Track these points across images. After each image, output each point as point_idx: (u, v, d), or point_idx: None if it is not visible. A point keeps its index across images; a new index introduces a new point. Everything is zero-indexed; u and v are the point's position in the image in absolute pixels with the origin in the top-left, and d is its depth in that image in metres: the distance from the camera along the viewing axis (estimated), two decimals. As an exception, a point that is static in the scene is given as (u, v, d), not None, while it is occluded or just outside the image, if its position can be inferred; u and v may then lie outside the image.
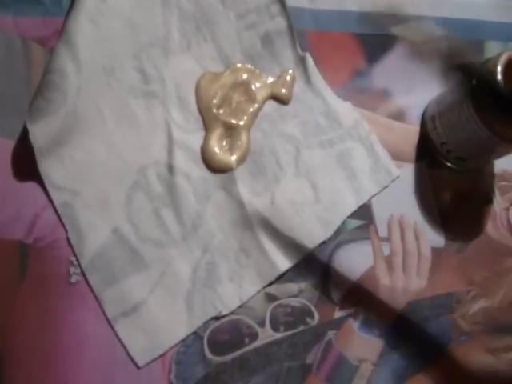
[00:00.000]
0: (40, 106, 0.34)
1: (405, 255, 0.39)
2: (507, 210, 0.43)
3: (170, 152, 0.37)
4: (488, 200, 0.43)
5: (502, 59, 0.36)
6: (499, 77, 0.35)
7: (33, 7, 0.37)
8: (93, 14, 0.35)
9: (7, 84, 0.36)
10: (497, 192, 0.43)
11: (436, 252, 0.40)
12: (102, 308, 0.34)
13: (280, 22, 0.40)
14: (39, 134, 0.34)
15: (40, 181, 0.35)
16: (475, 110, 0.37)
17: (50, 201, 0.35)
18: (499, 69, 0.35)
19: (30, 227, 0.34)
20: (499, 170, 0.43)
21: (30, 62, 0.36)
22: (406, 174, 0.41)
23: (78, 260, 0.34)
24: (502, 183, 0.43)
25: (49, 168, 0.35)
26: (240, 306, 0.36)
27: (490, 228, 0.42)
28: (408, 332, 0.38)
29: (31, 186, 0.35)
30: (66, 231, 0.35)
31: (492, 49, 0.45)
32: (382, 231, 0.40)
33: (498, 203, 0.43)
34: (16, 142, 0.35)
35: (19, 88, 0.36)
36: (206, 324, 0.35)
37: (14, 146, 0.35)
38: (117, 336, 0.34)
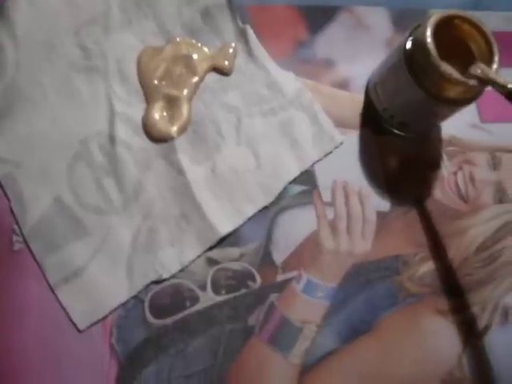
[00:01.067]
0: (-22, 81, 0.35)
1: (349, 219, 0.40)
2: (455, 174, 0.43)
3: (112, 124, 0.38)
4: (435, 165, 0.43)
5: (432, 21, 0.36)
6: (429, 39, 0.36)
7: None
8: (28, -10, 0.36)
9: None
10: (444, 157, 0.43)
11: (382, 216, 0.40)
12: (44, 274, 0.35)
13: (219, -4, 0.41)
14: (-22, 106, 0.35)
15: (-18, 154, 0.36)
16: (410, 73, 0.37)
17: (-7, 172, 0.36)
18: (429, 31, 0.36)
19: (-28, 198, 0.36)
20: (446, 136, 0.44)
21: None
22: (351, 140, 0.42)
23: (20, 228, 0.35)
24: (450, 148, 0.44)
25: (-10, 140, 0.36)
26: (181, 271, 0.36)
27: (437, 192, 0.42)
28: (353, 294, 0.38)
29: (-26, 159, 0.36)
30: (9, 200, 0.36)
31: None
32: (326, 196, 0.40)
33: (446, 168, 0.43)
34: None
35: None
36: (147, 288, 0.36)
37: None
38: (58, 301, 0.35)
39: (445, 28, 0.37)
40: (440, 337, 0.39)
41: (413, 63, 0.37)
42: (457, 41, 0.38)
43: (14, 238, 0.35)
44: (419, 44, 0.36)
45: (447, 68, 0.35)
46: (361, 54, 0.44)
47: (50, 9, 0.37)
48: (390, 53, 0.42)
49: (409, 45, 0.38)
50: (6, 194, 0.36)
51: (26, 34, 0.36)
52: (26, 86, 0.36)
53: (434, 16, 0.36)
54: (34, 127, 0.37)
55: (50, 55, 0.37)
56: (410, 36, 0.38)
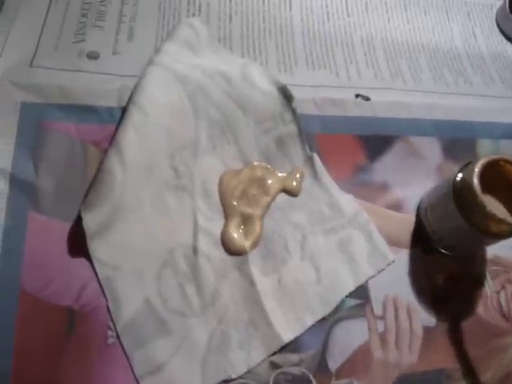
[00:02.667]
0: (92, 199, 0.42)
1: (398, 332, 0.44)
2: (498, 293, 0.47)
3: (195, 236, 0.44)
4: (479, 283, 0.47)
5: (479, 164, 0.42)
6: (475, 181, 0.41)
7: (91, 116, 0.46)
8: (138, 126, 0.43)
9: (68, 178, 0.44)
10: (488, 276, 0.48)
11: (428, 330, 0.45)
12: (131, 367, 0.41)
13: (291, 127, 0.48)
14: (90, 221, 0.42)
15: (87, 257, 0.42)
16: (457, 207, 0.42)
17: (95, 274, 0.42)
18: (476, 173, 0.41)
19: (77, 295, 0.42)
20: (491, 255, 0.48)
21: (86, 161, 0.45)
22: (402, 258, 0.47)
23: (114, 325, 0.41)
24: (493, 267, 0.48)
25: (96, 247, 0.42)
26: (247, 372, 0.42)
27: (480, 309, 0.46)
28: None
29: (80, 262, 0.43)
30: (107, 300, 0.42)
31: (484, 146, 0.51)
32: (378, 310, 0.45)
33: (490, 286, 0.47)
34: (71, 226, 0.43)
35: (77, 181, 0.44)
36: (217, 386, 0.41)
37: (70, 229, 0.43)
38: (142, 392, 0.40)
39: (492, 167, 0.42)
40: None
41: (460, 198, 0.42)
42: (503, 179, 0.43)
43: (109, 333, 0.42)
44: (467, 183, 0.41)
45: (491, 208, 0.40)
46: (413, 179, 0.49)
47: (151, 139, 0.44)
48: (441, 182, 0.47)
49: (458, 181, 0.43)
50: (104, 294, 0.42)
51: (132, 160, 0.43)
52: (128, 203, 0.43)
53: (482, 159, 0.42)
54: (131, 237, 0.43)
55: (149, 176, 0.44)
56: (459, 172, 0.43)
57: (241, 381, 0.42)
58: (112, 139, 0.44)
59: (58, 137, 0.45)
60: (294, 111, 0.48)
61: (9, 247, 0.42)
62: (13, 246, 0.42)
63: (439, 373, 0.44)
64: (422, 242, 0.47)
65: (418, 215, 0.48)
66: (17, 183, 0.44)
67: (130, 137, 0.43)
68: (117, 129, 0.44)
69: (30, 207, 0.43)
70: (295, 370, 0.42)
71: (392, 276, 0.46)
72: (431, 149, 0.51)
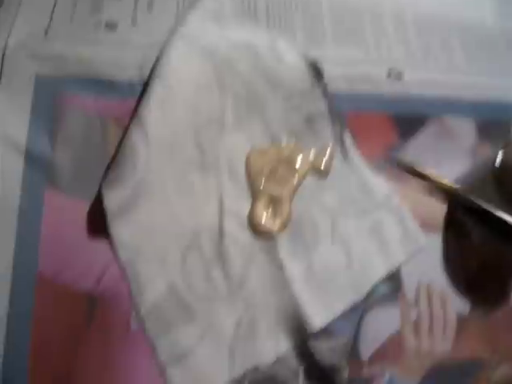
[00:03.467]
0: (113, 176, 0.40)
1: (431, 320, 0.42)
2: (535, 279, 0.45)
3: (221, 218, 0.42)
4: (514, 270, 0.46)
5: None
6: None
7: (110, 90, 0.44)
8: (162, 100, 0.41)
9: (86, 155, 0.42)
10: (524, 262, 0.46)
11: (462, 318, 0.43)
12: (155, 354, 0.39)
13: (322, 105, 0.45)
14: (112, 200, 0.39)
15: (108, 239, 0.40)
16: (498, 190, 0.40)
17: (116, 257, 0.40)
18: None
19: (98, 280, 0.40)
20: (527, 241, 0.46)
21: (106, 137, 0.43)
22: (435, 243, 0.45)
23: (137, 310, 0.39)
24: (531, 253, 0.46)
25: (117, 228, 0.40)
26: (276, 360, 0.40)
27: (516, 297, 0.44)
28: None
29: (101, 244, 0.40)
30: (128, 284, 0.40)
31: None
32: (410, 297, 0.43)
33: (526, 273, 0.45)
34: (91, 205, 0.41)
35: (96, 159, 0.42)
36: (244, 375, 0.39)
37: (89, 209, 0.41)
38: (167, 380, 0.38)
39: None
40: None
41: (502, 181, 0.40)
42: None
43: (131, 319, 0.40)
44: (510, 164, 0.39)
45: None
46: (447, 161, 0.47)
47: (175, 114, 0.42)
48: (477, 164, 0.45)
49: (498, 162, 0.41)
50: (126, 278, 0.40)
51: (155, 136, 0.40)
52: (151, 182, 0.41)
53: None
54: (153, 218, 0.41)
55: (173, 153, 0.42)
56: (500, 152, 0.41)
57: (269, 370, 0.40)
58: (133, 114, 0.42)
59: (76, 111, 0.43)
60: (324, 87, 0.45)
61: (25, 228, 0.40)
62: (29, 226, 0.40)
63: (474, 361, 0.42)
64: (456, 225, 0.45)
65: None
66: (32, 159, 0.41)
67: (154, 111, 0.41)
68: (138, 103, 0.42)
69: (47, 185, 0.41)
70: (326, 359, 0.40)
71: (425, 261, 0.44)
72: (466, 129, 0.48)
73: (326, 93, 0.45)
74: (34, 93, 0.43)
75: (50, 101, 0.43)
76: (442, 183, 0.41)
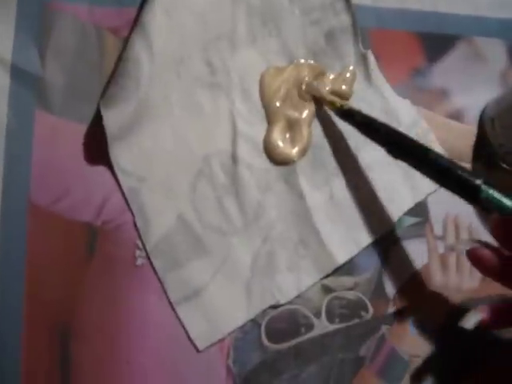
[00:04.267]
0: (113, 93, 0.35)
1: (459, 254, 0.39)
2: None
3: (234, 142, 0.38)
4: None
5: None
6: None
7: (107, -3, 0.38)
8: (167, 7, 0.36)
9: (81, 70, 0.37)
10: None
11: (490, 253, 0.40)
12: (165, 291, 0.35)
13: (344, 19, 0.40)
14: (112, 120, 0.35)
15: (109, 165, 0.36)
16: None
17: (119, 185, 0.36)
18: None
19: (98, 210, 0.36)
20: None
21: (102, 50, 0.38)
22: (463, 173, 0.41)
23: (143, 243, 0.36)
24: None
25: (118, 153, 0.36)
26: (297, 296, 0.37)
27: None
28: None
29: (101, 170, 0.36)
30: (133, 215, 0.36)
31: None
32: (438, 230, 0.40)
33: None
34: (88, 127, 0.36)
35: (92, 74, 0.37)
36: (263, 312, 0.36)
37: (86, 131, 0.36)
38: (178, 319, 0.35)
39: None
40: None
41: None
42: None
43: (137, 252, 0.36)
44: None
45: None
46: (476, 85, 0.43)
47: (183, 24, 0.37)
48: (509, 89, 0.41)
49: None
50: (130, 208, 0.36)
51: (160, 48, 0.36)
52: (155, 101, 0.36)
53: None
54: (158, 142, 0.37)
55: (179, 70, 0.37)
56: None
57: (290, 306, 0.37)
58: (135, 23, 0.36)
59: (67, 20, 0.38)
60: (347, 0, 0.40)
61: (14, 151, 0.35)
62: (19, 149, 0.35)
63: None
64: (486, 156, 0.42)
65: (481, 126, 0.42)
66: (19, 75, 0.36)
67: (158, 19, 0.36)
68: (140, 11, 0.37)
69: (37, 105, 0.36)
70: (350, 295, 0.37)
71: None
72: (497, 52, 0.44)
73: (348, 6, 0.40)
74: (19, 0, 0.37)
75: (37, 7, 0.37)
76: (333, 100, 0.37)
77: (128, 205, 0.36)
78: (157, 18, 0.36)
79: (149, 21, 0.35)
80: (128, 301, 0.35)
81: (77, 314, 0.34)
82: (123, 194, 0.36)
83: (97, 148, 0.36)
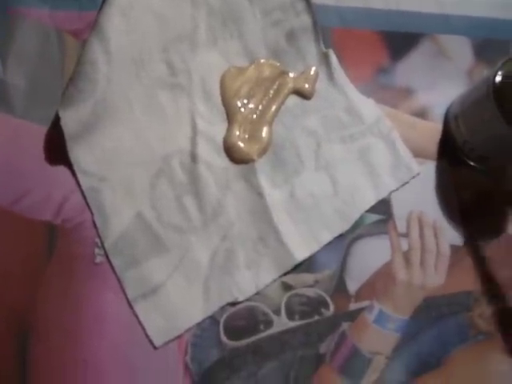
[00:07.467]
0: (71, 95, 0.36)
1: (423, 251, 0.39)
2: (531, 210, 0.42)
3: (194, 142, 0.38)
4: (510, 200, 0.42)
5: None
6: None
7: (68, 2, 0.39)
8: (124, 8, 0.36)
9: (42, 73, 0.38)
10: (520, 192, 0.43)
11: (455, 250, 0.40)
12: (122, 289, 0.35)
13: (305, 19, 0.41)
14: (70, 121, 0.35)
15: (70, 165, 0.36)
16: (498, 108, 0.37)
17: (79, 185, 0.36)
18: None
19: (58, 209, 0.36)
20: (523, 170, 0.43)
21: (63, 53, 0.38)
22: (428, 171, 0.41)
23: (102, 242, 0.36)
24: (526, 183, 0.43)
25: (78, 154, 0.36)
26: (256, 294, 0.37)
27: (511, 228, 0.41)
28: (423, 328, 0.38)
29: (61, 171, 0.37)
30: (92, 214, 0.36)
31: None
32: (401, 227, 0.40)
33: (522, 203, 0.42)
34: (48, 129, 0.37)
35: (53, 77, 0.38)
36: (222, 309, 0.36)
37: (47, 132, 0.37)
38: (136, 316, 0.35)
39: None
40: (509, 379, 0.38)
41: (502, 98, 0.37)
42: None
43: (96, 250, 0.36)
44: (509, 80, 0.36)
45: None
46: (441, 83, 0.43)
47: (141, 25, 0.37)
48: (475, 85, 0.41)
49: (498, 79, 0.37)
50: (89, 207, 0.36)
51: (118, 50, 0.36)
52: (115, 102, 0.37)
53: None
54: (119, 142, 0.37)
55: (139, 71, 0.38)
56: (499, 70, 0.37)
57: (249, 304, 0.37)
58: (93, 25, 0.37)
59: (29, 24, 0.38)
60: (307, 0, 0.41)
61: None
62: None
63: (467, 295, 0.39)
64: (450, 153, 0.42)
65: (445, 124, 0.42)
66: (-20, 78, 0.37)
67: (115, 21, 0.36)
68: (99, 13, 0.37)
69: (-1, 107, 0.37)
70: (310, 292, 0.37)
71: (417, 190, 0.41)
72: (461, 49, 0.44)
73: (309, 6, 0.41)
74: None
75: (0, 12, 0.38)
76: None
77: (87, 204, 0.36)
78: (113, 20, 0.36)
79: (105, 22, 0.36)
80: (86, 299, 0.35)
81: (37, 313, 0.35)
82: (83, 193, 0.36)
83: (57, 149, 0.36)
